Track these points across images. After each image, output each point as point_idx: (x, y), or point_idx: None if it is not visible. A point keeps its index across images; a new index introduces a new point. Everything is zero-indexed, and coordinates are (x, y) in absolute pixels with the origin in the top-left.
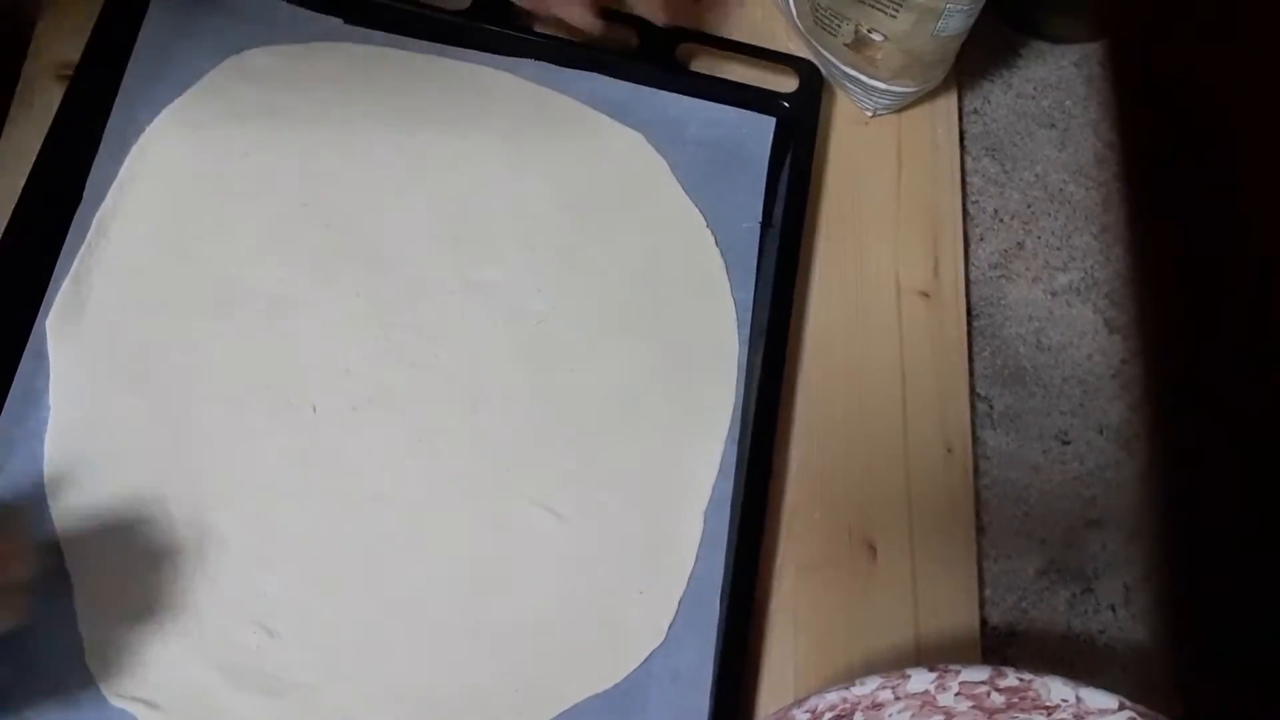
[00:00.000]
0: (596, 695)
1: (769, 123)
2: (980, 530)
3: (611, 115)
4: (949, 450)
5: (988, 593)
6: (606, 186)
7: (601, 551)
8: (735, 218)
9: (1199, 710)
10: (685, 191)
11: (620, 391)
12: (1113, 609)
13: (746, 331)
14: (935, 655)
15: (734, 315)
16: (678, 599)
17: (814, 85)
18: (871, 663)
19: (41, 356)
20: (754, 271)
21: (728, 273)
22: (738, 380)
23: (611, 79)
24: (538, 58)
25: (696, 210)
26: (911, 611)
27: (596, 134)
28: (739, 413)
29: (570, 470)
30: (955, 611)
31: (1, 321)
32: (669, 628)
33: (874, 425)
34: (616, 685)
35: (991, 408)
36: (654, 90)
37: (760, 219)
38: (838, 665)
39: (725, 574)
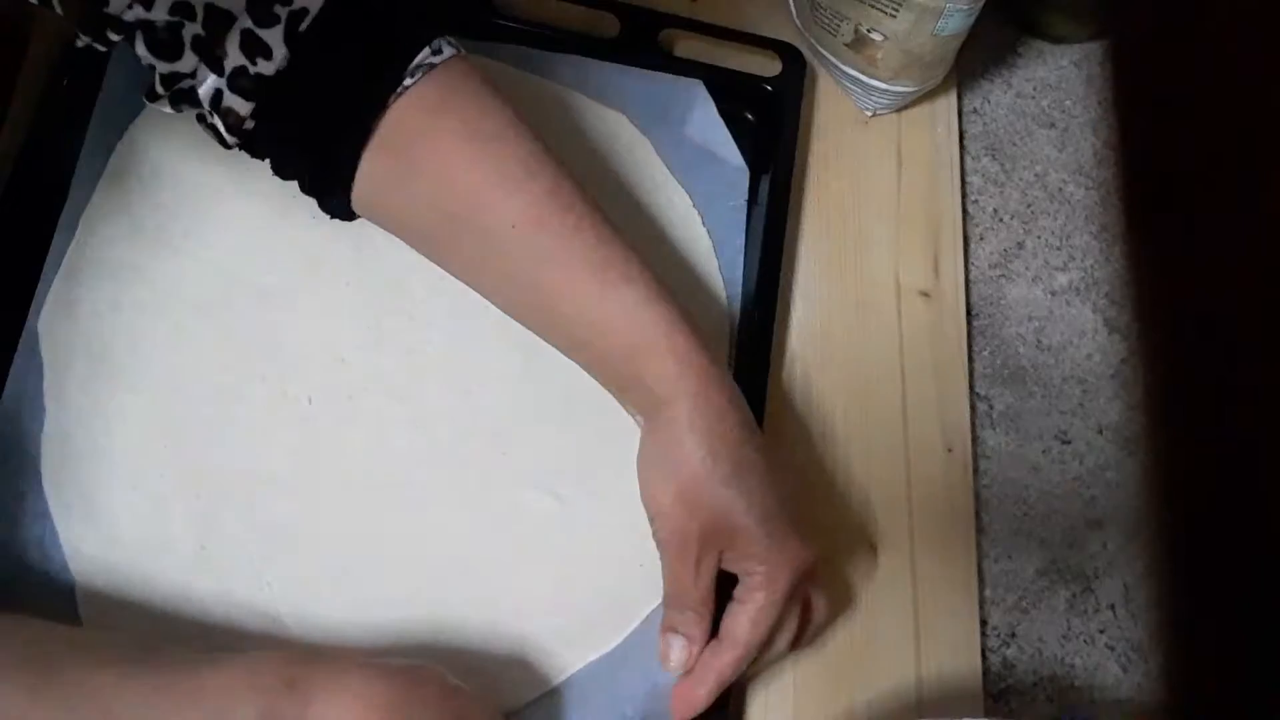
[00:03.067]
0: (599, 658)
1: (752, 104)
2: (980, 530)
3: (593, 98)
4: (949, 450)
5: (988, 593)
6: (591, 168)
7: (601, 530)
8: (721, 197)
9: (1199, 711)
10: (670, 172)
11: None
12: (1113, 609)
13: (736, 307)
14: (935, 655)
15: (723, 292)
16: None
17: (797, 67)
18: (872, 662)
19: (34, 357)
20: (742, 250)
21: (716, 251)
22: (729, 356)
23: (592, 62)
24: (517, 42)
25: (682, 190)
26: (911, 611)
27: (579, 116)
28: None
29: (567, 451)
30: (955, 611)
31: None
32: None
33: (874, 425)
34: (617, 646)
35: (991, 408)
36: (636, 73)
37: (746, 198)
38: (838, 665)
39: None
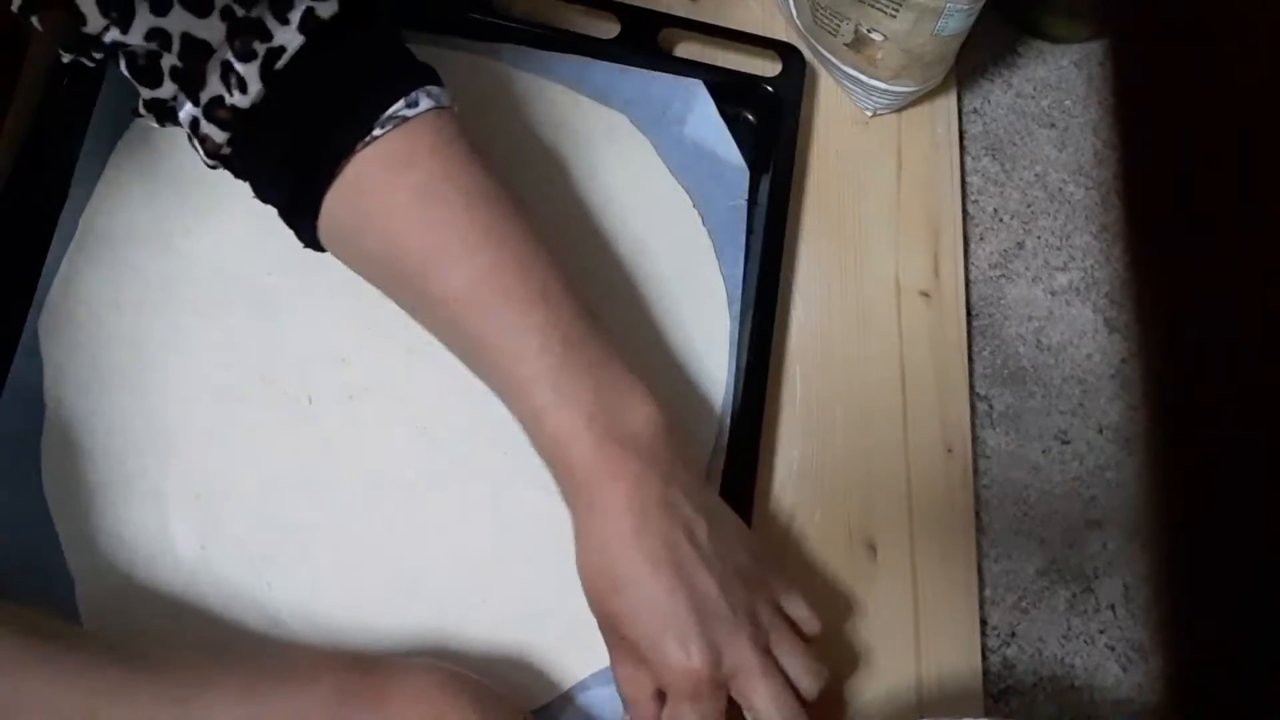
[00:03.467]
0: (602, 670)
1: (752, 104)
2: (980, 530)
3: (592, 98)
4: (949, 450)
5: (988, 593)
6: (592, 168)
7: None
8: (721, 196)
9: (1199, 711)
10: (670, 171)
11: None
12: (1113, 609)
13: (737, 308)
14: (935, 655)
15: (724, 292)
16: None
17: (797, 68)
18: (872, 662)
19: (35, 356)
20: (743, 249)
21: (716, 250)
22: (730, 355)
23: (592, 62)
24: (517, 42)
25: (682, 189)
26: (911, 611)
27: (579, 116)
28: (732, 387)
29: None
30: (955, 611)
31: None
32: None
33: (874, 425)
34: None
35: (991, 408)
36: (635, 73)
37: (745, 197)
38: (838, 665)
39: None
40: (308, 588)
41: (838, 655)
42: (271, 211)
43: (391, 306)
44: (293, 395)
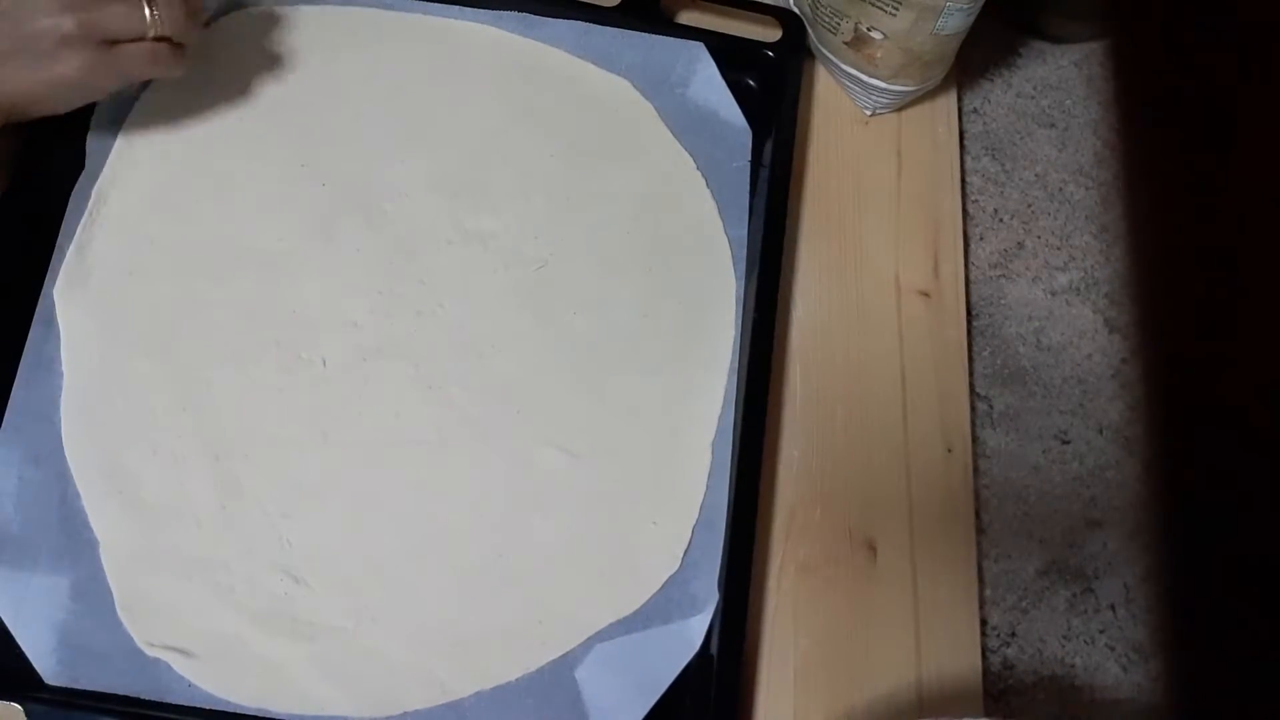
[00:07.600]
0: (619, 621)
1: (754, 70)
2: (980, 530)
3: (595, 64)
4: (949, 450)
5: (988, 593)
6: (596, 133)
7: (614, 486)
8: (724, 158)
9: (1199, 711)
10: (674, 135)
11: (623, 331)
12: (1113, 609)
13: (743, 268)
14: (935, 655)
15: (729, 252)
16: (690, 527)
17: (797, 34)
18: (872, 662)
19: (51, 324)
20: (747, 210)
21: (721, 212)
22: (737, 315)
23: (594, 27)
24: (520, 10)
25: (686, 153)
26: (911, 611)
27: (583, 82)
28: (739, 346)
29: (580, 409)
30: (955, 611)
31: (9, 291)
32: (684, 555)
33: (874, 425)
34: (637, 611)
35: (991, 408)
36: (637, 38)
37: (749, 159)
38: (838, 665)
39: (729, 503)
40: (326, 544)
41: (838, 655)
42: (282, 178)
43: (403, 271)
44: (307, 358)
